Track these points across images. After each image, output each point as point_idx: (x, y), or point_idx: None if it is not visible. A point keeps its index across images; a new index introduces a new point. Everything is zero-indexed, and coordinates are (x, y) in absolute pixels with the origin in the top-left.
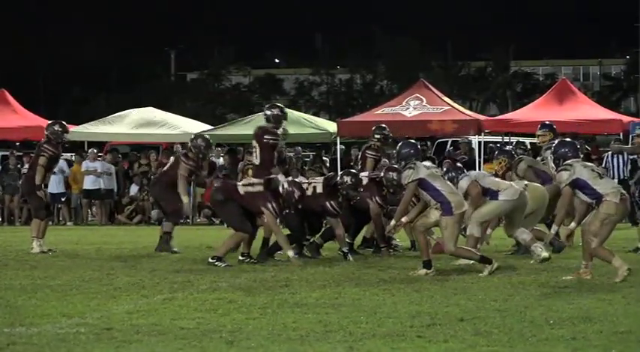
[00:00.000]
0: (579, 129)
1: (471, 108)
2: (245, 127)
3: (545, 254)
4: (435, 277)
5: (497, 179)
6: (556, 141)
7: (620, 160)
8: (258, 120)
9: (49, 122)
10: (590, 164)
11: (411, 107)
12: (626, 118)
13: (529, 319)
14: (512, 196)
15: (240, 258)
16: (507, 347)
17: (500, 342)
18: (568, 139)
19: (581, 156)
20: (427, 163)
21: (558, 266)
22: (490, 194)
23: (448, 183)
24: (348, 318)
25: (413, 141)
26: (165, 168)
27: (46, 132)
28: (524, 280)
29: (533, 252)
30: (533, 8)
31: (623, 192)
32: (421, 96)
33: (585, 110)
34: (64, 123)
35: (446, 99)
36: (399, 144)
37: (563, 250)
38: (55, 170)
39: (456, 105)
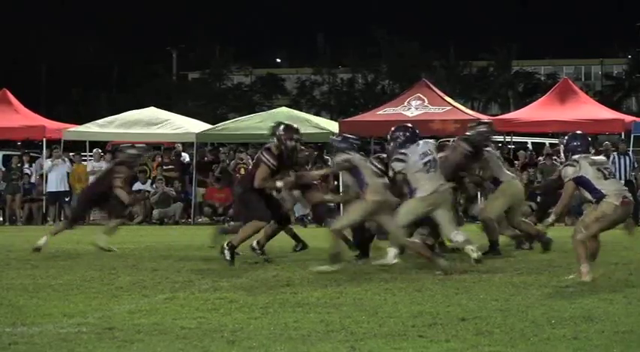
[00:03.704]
0: (581, 129)
1: (472, 108)
2: (246, 127)
3: (475, 255)
4: (436, 277)
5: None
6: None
7: (627, 161)
8: (258, 119)
9: (124, 145)
10: (599, 161)
11: (413, 107)
12: (628, 118)
13: (530, 319)
14: (425, 192)
15: (254, 245)
16: (509, 346)
17: (502, 342)
18: (579, 132)
19: (592, 151)
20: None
21: (559, 266)
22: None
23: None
24: (349, 318)
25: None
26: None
27: (121, 157)
28: (525, 280)
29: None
30: (535, 8)
31: (628, 195)
32: (423, 96)
33: (587, 110)
34: (139, 146)
35: (448, 99)
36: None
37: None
38: (59, 169)
39: (457, 105)
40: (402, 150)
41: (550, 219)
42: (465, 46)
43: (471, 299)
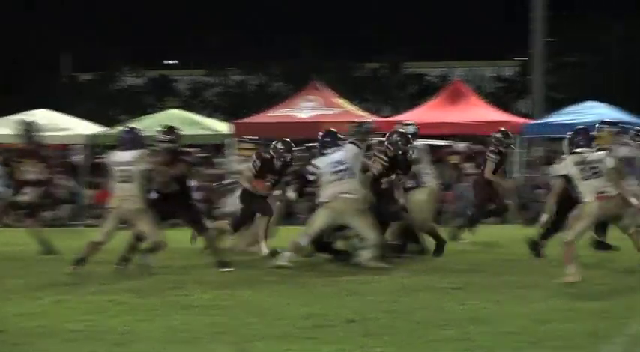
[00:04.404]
0: (472, 131)
1: (366, 110)
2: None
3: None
4: (326, 278)
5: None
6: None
7: None
8: (150, 120)
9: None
10: (590, 159)
11: (306, 109)
12: (518, 120)
13: (418, 320)
14: (325, 198)
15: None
16: (396, 347)
17: (390, 343)
18: (583, 127)
19: (596, 146)
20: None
21: (449, 269)
22: None
23: None
24: (238, 320)
25: None
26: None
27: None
28: (415, 281)
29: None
30: (428, 9)
31: (603, 190)
32: (315, 98)
33: (478, 111)
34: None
35: (340, 100)
36: None
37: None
38: None
39: (350, 106)
40: (314, 161)
41: (544, 218)
42: (358, 47)
43: (360, 301)
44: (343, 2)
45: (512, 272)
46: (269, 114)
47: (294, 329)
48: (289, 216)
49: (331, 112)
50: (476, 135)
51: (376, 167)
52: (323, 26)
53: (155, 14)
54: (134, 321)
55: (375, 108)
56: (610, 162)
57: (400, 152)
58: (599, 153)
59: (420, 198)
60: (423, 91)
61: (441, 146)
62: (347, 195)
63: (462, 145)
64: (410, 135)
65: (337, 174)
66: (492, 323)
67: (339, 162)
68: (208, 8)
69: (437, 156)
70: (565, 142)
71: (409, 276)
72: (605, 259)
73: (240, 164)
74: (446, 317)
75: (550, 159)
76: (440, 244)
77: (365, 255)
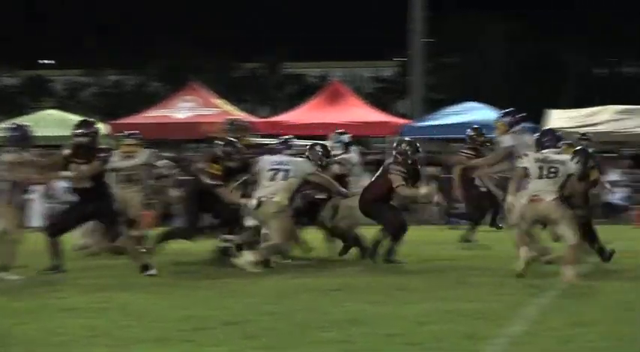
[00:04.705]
0: (351, 131)
1: (244, 110)
2: None
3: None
4: (207, 281)
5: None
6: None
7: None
8: (25, 121)
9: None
10: (550, 159)
11: (183, 109)
12: (397, 120)
13: (299, 322)
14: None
15: None
16: (276, 350)
17: (269, 346)
18: (549, 128)
19: (561, 146)
20: None
21: (330, 271)
22: None
23: None
24: (115, 323)
25: None
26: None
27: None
28: (295, 283)
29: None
30: (307, 9)
31: (537, 193)
32: (193, 98)
33: (357, 112)
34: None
35: (218, 101)
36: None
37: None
38: None
39: (228, 107)
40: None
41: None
42: (237, 47)
43: (240, 303)
44: (221, 2)
45: (392, 273)
46: (146, 115)
47: (172, 332)
48: None
49: (209, 113)
50: (355, 136)
51: (397, 179)
52: (202, 26)
53: (31, 14)
54: (9, 324)
55: (253, 109)
56: (572, 168)
57: (410, 162)
58: (564, 155)
59: (350, 204)
60: (302, 92)
61: None
62: (267, 197)
63: None
64: (345, 144)
65: (270, 173)
66: (372, 325)
67: (280, 163)
68: (85, 9)
69: None
70: (534, 143)
71: (290, 278)
72: (484, 260)
73: (123, 161)
74: (326, 319)
75: (429, 159)
76: (363, 248)
77: (245, 258)
